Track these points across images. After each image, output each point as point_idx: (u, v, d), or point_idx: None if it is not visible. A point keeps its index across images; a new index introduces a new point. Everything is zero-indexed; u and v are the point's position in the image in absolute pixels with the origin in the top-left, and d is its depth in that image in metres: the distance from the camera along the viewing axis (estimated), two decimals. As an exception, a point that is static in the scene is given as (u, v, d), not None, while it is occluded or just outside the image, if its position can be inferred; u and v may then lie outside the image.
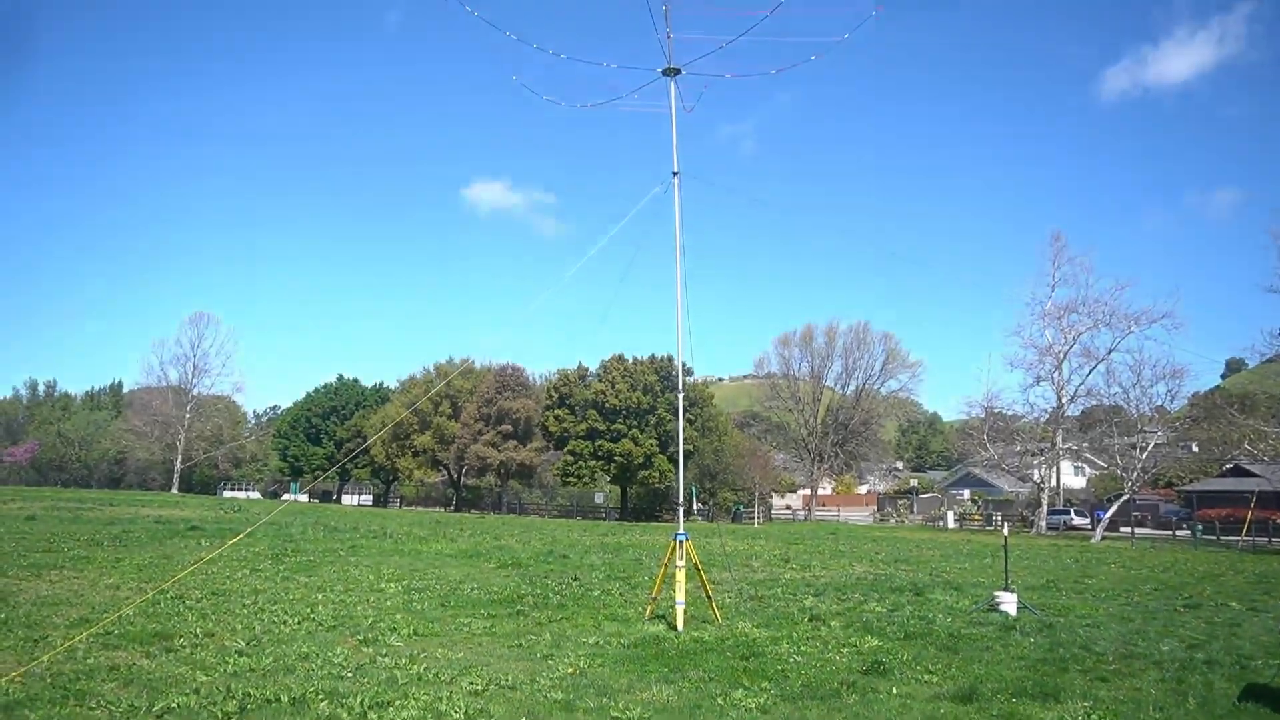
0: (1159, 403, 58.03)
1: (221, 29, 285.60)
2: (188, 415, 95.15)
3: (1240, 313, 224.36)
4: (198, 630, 10.88)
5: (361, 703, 7.73)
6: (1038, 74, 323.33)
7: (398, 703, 7.83)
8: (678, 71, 14.56)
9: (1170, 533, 57.28)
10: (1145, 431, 56.36)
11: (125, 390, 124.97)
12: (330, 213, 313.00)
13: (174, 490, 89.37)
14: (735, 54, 15.10)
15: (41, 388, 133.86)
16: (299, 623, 11.88)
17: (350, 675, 8.93)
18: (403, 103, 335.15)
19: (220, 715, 7.23)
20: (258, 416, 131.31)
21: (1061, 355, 60.59)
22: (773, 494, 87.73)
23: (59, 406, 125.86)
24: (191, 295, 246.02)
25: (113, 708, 7.28)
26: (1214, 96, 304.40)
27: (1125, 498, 56.88)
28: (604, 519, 74.51)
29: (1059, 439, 62.08)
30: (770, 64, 21.45)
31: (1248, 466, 59.52)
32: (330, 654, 9.86)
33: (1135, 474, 55.68)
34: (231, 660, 9.30)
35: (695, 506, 72.79)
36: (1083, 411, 65.80)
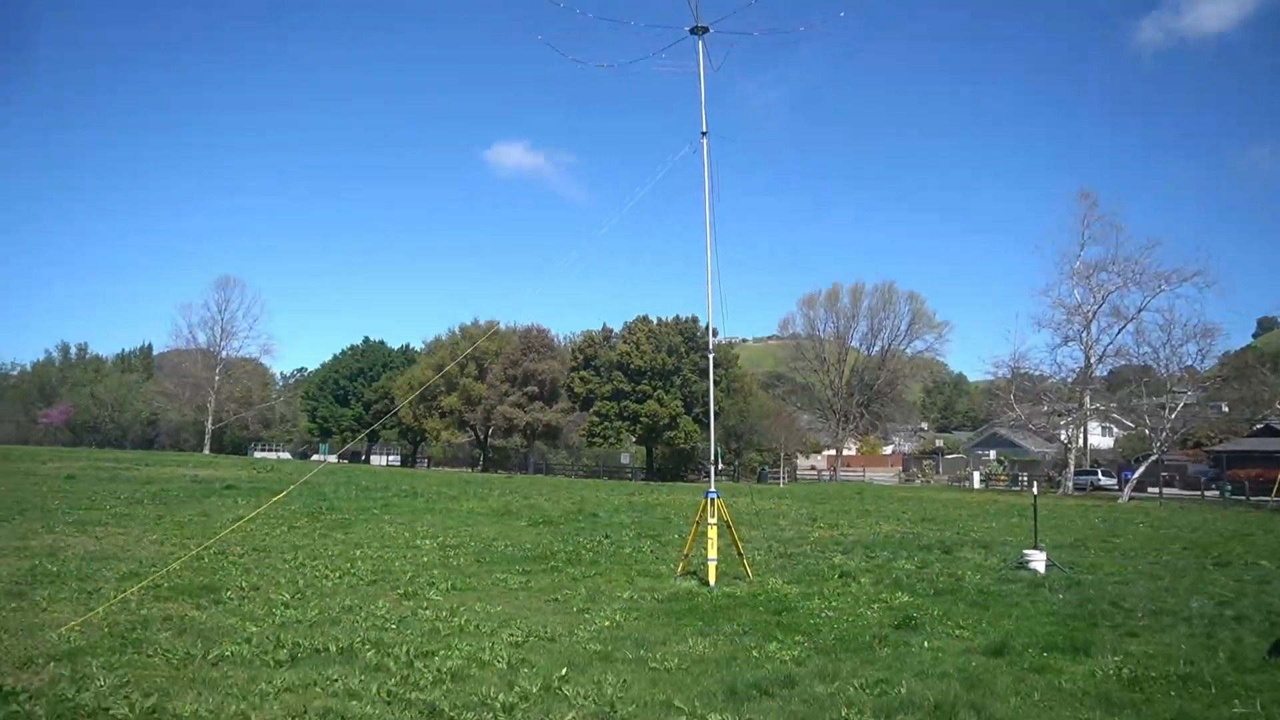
0: (1189, 363, 57.49)
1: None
2: (217, 378, 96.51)
3: (1274, 270, 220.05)
4: (243, 584, 11.20)
5: (407, 652, 7.97)
6: (1069, 25, 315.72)
7: (442, 652, 8.07)
8: (706, 30, 14.41)
9: (1199, 493, 57.01)
10: (1175, 391, 55.87)
11: (155, 353, 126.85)
12: (353, 176, 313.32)
13: (206, 451, 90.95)
14: (762, 9, 14.88)
15: (74, 350, 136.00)
16: (340, 577, 12.18)
17: (394, 627, 9.18)
18: (423, 63, 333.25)
19: (272, 663, 7.48)
20: (285, 379, 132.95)
21: (1090, 315, 60.00)
22: (798, 454, 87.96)
23: (91, 369, 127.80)
24: (217, 259, 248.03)
25: (169, 655, 7.55)
26: (1251, 47, 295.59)
27: (1153, 458, 56.48)
28: (630, 479, 75.01)
29: (1086, 399, 61.63)
30: (798, 20, 21.11)
31: (1279, 426, 58.96)
32: (373, 607, 10.13)
33: (1164, 434, 55.26)
34: (279, 612, 9.58)
35: (720, 466, 73.11)
36: (1111, 371, 65.28)
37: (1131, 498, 51.60)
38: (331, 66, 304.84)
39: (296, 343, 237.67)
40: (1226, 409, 65.84)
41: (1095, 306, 59.93)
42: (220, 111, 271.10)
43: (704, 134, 14.57)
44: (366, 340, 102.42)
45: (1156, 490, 56.21)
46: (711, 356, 16.39)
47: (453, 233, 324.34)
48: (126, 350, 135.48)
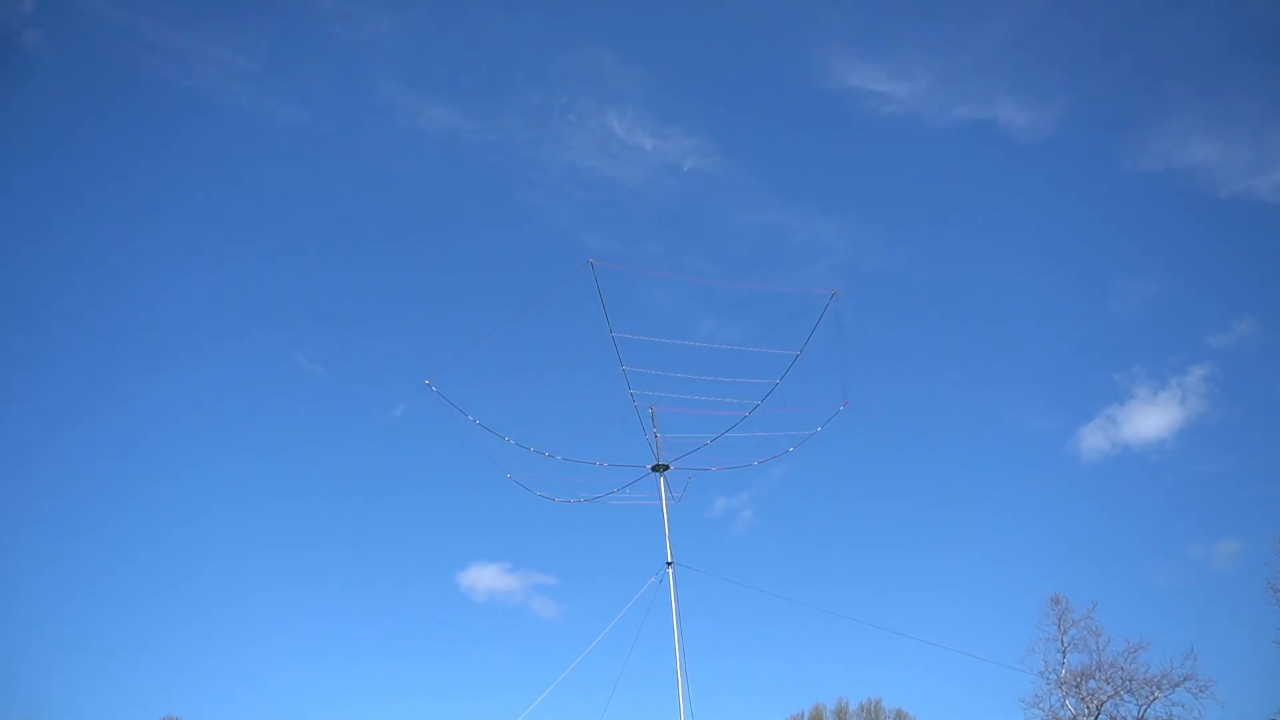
0: (1205, 777, 53.35)
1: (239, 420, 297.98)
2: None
3: (1267, 668, 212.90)
4: None
5: None
6: (1012, 440, 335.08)
7: None
8: (666, 468, 15.56)
9: None
10: (1205, 812, 51.20)
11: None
12: (316, 610, 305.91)
13: None
14: (720, 443, 16.26)
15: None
16: None
17: None
18: (397, 493, 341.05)
19: None
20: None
21: (1090, 728, 56.76)
22: None
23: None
24: (161, 701, 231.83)
25: None
26: (1188, 454, 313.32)
27: None
28: None
29: (1115, 825, 56.04)
30: (753, 453, 22.77)
31: None
32: None
33: None
34: None
35: None
36: (1135, 791, 60.13)
37: None
38: (300, 499, 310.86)
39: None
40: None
41: (1091, 717, 56.97)
42: (182, 558, 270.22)
43: (669, 564, 15.00)
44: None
45: None
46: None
47: (420, 661, 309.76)
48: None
